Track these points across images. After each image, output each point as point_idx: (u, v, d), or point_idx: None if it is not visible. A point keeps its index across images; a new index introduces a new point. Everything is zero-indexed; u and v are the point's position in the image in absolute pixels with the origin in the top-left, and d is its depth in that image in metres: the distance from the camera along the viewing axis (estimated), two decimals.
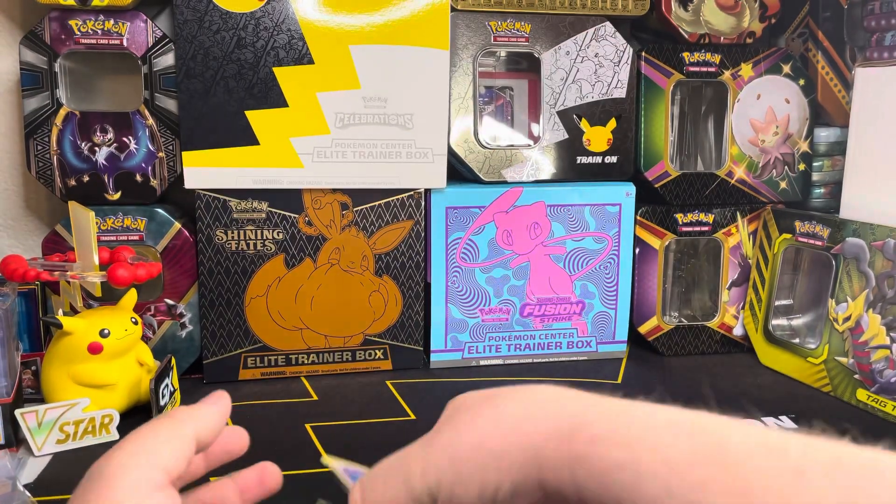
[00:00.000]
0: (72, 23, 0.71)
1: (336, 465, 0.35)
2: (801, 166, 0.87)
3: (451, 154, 0.80)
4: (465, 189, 0.81)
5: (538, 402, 0.29)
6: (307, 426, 0.67)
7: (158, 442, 0.31)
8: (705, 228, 0.87)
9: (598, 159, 0.83)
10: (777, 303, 0.87)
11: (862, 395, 0.73)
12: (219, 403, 0.35)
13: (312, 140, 0.74)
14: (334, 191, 0.77)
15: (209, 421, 0.34)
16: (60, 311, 0.67)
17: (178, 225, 0.76)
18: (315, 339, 0.80)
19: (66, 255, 0.71)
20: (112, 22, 0.72)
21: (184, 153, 0.73)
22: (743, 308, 0.90)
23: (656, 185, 0.85)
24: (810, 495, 0.22)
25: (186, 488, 0.35)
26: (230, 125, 0.73)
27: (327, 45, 0.73)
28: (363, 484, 0.31)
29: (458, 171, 0.85)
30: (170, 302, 0.77)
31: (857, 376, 0.73)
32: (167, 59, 0.74)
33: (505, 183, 0.82)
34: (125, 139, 0.74)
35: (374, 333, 0.81)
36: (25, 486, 0.56)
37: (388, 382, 0.79)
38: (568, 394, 0.29)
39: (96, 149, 0.74)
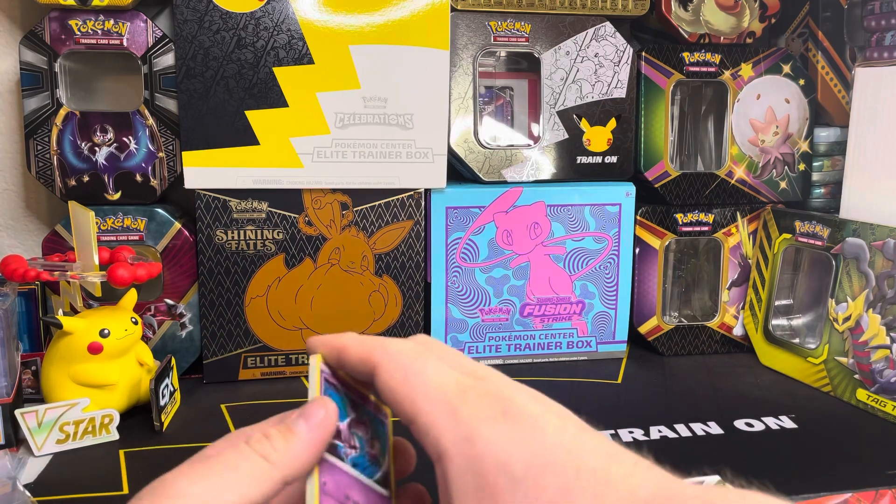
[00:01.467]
0: (72, 23, 0.71)
1: (317, 369, 0.32)
2: (801, 166, 0.87)
3: (451, 154, 0.80)
4: (465, 189, 0.81)
5: None
6: None
7: (227, 472, 0.28)
8: (705, 228, 0.87)
9: (598, 159, 0.83)
10: (777, 303, 0.87)
11: (862, 395, 0.73)
12: (311, 435, 0.31)
13: (312, 140, 0.74)
14: (334, 191, 0.77)
15: (297, 458, 0.30)
16: (60, 311, 0.68)
17: (178, 225, 0.76)
18: None
19: (66, 255, 0.71)
20: (112, 22, 0.72)
21: (184, 153, 0.73)
22: (743, 308, 0.90)
23: (656, 185, 0.85)
24: None
25: None
26: (230, 125, 0.73)
27: (327, 45, 0.73)
28: None
29: (458, 171, 0.85)
30: (170, 302, 0.77)
31: (857, 376, 0.73)
32: (167, 59, 0.74)
33: (505, 183, 0.82)
34: (125, 139, 0.74)
35: (375, 333, 0.81)
36: (25, 486, 0.56)
37: None
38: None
39: (96, 149, 0.74)
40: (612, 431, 0.66)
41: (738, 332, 0.90)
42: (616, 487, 0.26)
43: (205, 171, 0.74)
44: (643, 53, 0.83)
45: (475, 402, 0.29)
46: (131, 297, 0.69)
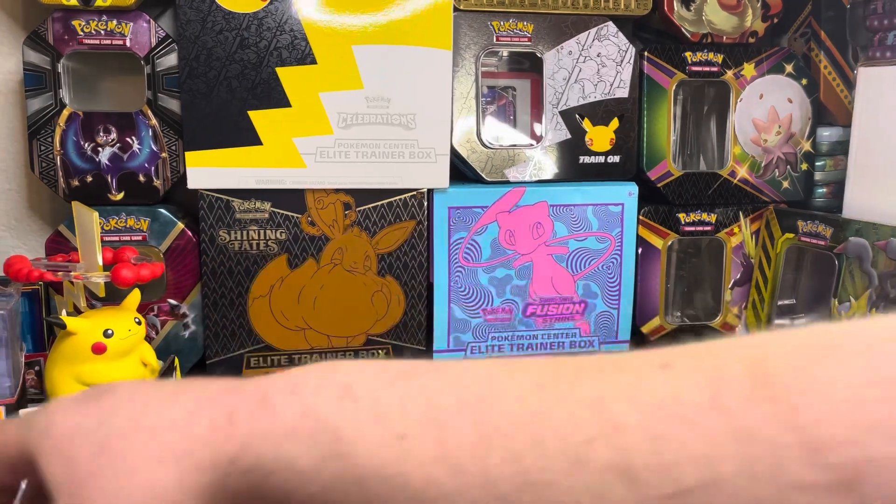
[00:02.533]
0: (75, 23, 0.71)
1: None
2: (804, 166, 0.87)
3: (454, 154, 0.80)
4: (468, 189, 0.81)
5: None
6: None
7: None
8: (708, 228, 0.87)
9: (601, 159, 0.83)
10: (780, 302, 0.87)
11: None
12: None
13: (315, 140, 0.75)
14: (337, 191, 0.77)
15: None
16: (64, 312, 0.68)
17: (181, 225, 0.76)
18: (318, 340, 0.80)
19: (70, 256, 0.71)
20: (115, 22, 0.72)
21: (187, 153, 0.73)
22: (745, 308, 0.90)
23: (659, 185, 0.85)
24: None
25: None
26: (233, 125, 0.73)
27: (330, 45, 0.73)
28: None
29: (461, 171, 0.85)
30: (173, 302, 0.77)
31: None
32: (170, 60, 0.74)
33: (507, 183, 0.82)
34: (128, 139, 0.74)
35: (377, 333, 0.81)
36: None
37: None
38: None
39: (99, 149, 0.74)
40: None
41: (740, 331, 0.90)
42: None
43: (208, 171, 0.74)
44: (646, 53, 0.83)
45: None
46: (135, 297, 0.69)
